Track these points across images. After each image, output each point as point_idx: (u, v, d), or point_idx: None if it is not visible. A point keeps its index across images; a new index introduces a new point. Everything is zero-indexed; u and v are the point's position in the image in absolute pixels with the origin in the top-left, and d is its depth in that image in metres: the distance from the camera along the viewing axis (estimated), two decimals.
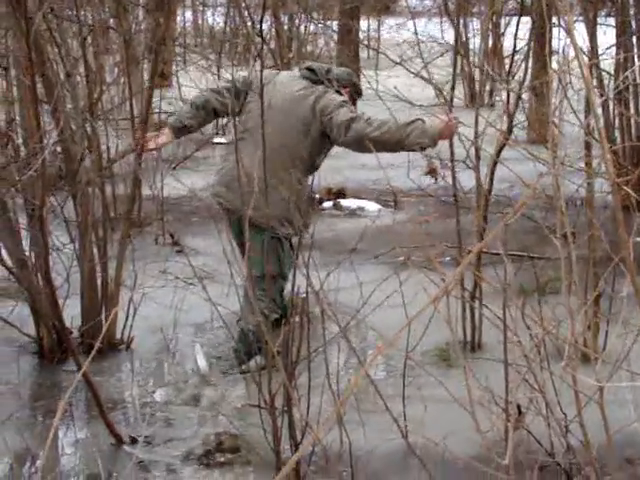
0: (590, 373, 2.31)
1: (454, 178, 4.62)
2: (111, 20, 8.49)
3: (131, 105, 5.39)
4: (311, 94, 4.59)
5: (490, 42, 12.15)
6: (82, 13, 6.28)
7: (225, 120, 9.73)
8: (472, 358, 4.32)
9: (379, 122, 4.44)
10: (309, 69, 4.71)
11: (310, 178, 4.67)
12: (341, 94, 4.66)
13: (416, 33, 11.45)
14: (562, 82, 2.42)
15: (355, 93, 4.82)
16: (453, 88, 4.66)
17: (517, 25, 5.31)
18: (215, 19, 13.68)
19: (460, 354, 2.48)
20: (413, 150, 4.46)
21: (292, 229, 4.51)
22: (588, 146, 3.73)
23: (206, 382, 4.43)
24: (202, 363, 4.62)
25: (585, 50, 5.05)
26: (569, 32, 1.63)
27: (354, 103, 4.81)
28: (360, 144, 4.45)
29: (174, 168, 8.03)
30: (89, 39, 6.40)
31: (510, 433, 1.67)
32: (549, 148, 1.79)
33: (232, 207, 4.47)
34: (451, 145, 4.59)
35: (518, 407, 2.64)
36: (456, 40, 5.04)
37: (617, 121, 6.84)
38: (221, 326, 4.65)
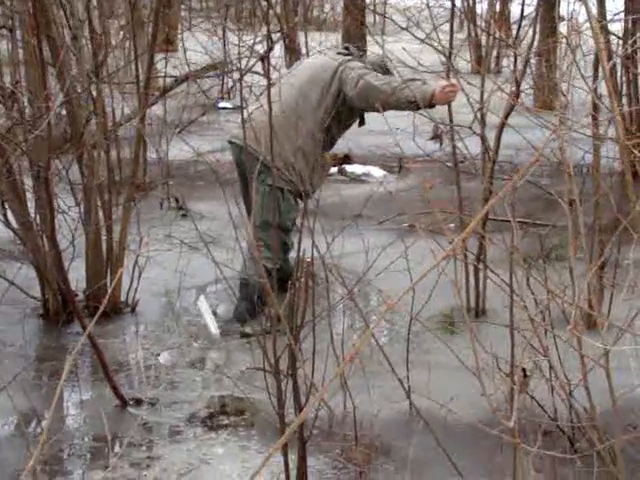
0: (595, 339, 2.31)
1: (454, 144, 4.62)
2: None
3: (137, 68, 5.35)
4: (337, 60, 4.79)
5: (497, 7, 12.05)
6: None
7: (230, 84, 9.69)
8: (478, 322, 4.32)
9: (386, 78, 4.62)
10: (346, 47, 4.99)
11: (326, 147, 4.79)
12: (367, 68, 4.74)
13: None
14: (570, 46, 2.40)
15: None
16: (449, 56, 4.63)
17: None
18: None
19: (465, 318, 2.48)
20: (405, 108, 4.55)
21: (298, 181, 4.58)
22: (596, 109, 3.70)
23: (211, 344, 4.45)
24: (208, 319, 4.64)
25: (595, 14, 5.00)
26: None
27: None
28: (367, 97, 4.59)
29: (179, 132, 8.00)
30: (94, 1, 6.36)
31: (516, 396, 1.68)
32: (556, 114, 1.78)
33: (244, 144, 4.38)
34: (450, 110, 4.59)
35: (523, 370, 2.64)
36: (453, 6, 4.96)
37: (624, 87, 6.79)
38: (225, 289, 4.66)
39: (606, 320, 1.77)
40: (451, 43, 4.88)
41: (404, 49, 5.07)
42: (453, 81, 4.50)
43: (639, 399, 3.30)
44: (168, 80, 8.58)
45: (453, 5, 4.82)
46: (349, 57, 4.83)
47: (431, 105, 4.52)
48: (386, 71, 4.88)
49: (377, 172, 7.70)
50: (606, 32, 5.83)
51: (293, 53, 9.40)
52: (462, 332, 4.38)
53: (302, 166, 4.63)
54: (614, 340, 2.01)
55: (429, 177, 7.37)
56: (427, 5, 4.81)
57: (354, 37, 12.82)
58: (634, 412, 3.50)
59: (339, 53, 4.95)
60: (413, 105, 4.54)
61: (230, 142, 4.96)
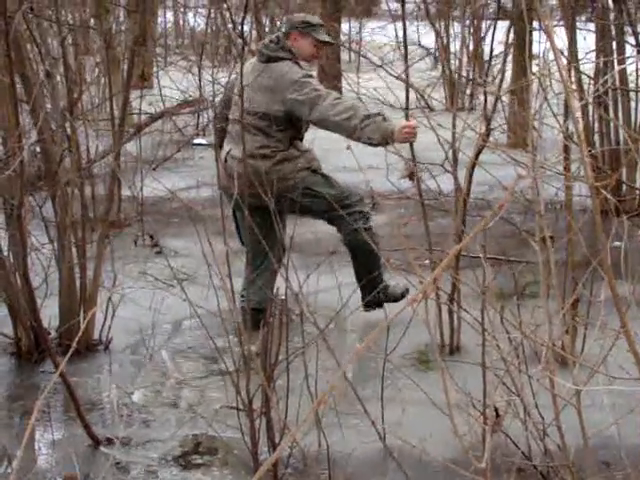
0: (568, 377, 2.31)
1: (419, 182, 4.66)
2: (92, 20, 8.46)
3: (111, 106, 5.37)
4: (267, 80, 4.69)
5: (471, 46, 12.18)
6: (62, 13, 6.25)
7: (206, 121, 9.72)
8: (451, 361, 4.32)
9: (343, 107, 4.56)
10: (259, 51, 4.83)
11: (300, 144, 4.88)
12: (299, 65, 4.74)
13: (402, 35, 11.46)
14: (542, 85, 2.43)
15: (304, 28, 4.79)
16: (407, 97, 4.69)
17: (494, 29, 5.34)
18: (196, 20, 13.65)
19: (438, 357, 2.48)
20: (365, 144, 4.59)
21: (301, 172, 4.79)
22: (567, 150, 3.75)
23: (184, 384, 4.42)
24: (172, 368, 4.62)
25: (565, 54, 5.08)
26: (548, 36, 1.63)
27: (314, 38, 4.81)
28: (326, 128, 4.66)
29: (154, 169, 8.00)
30: (69, 39, 6.37)
31: (488, 436, 1.68)
32: (528, 152, 1.80)
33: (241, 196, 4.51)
34: (412, 149, 4.64)
35: (496, 410, 2.64)
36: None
37: (596, 125, 6.87)
38: (200, 327, 4.64)
39: (577, 360, 1.78)
40: (404, 83, 4.92)
41: (375, 90, 5.12)
42: (412, 122, 4.53)
43: (612, 437, 3.30)
44: (143, 117, 8.59)
45: (420, 45, 4.84)
46: (279, 65, 4.69)
47: (391, 143, 4.54)
48: (307, 25, 4.80)
49: None
50: (577, 71, 5.91)
51: None
52: (437, 369, 4.38)
53: (290, 177, 4.79)
54: (588, 378, 2.01)
55: (403, 214, 7.41)
56: (405, 45, 4.83)
57: (329, 74, 12.93)
58: (608, 449, 3.50)
59: (261, 62, 4.77)
60: (374, 144, 4.57)
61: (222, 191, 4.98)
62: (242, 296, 4.80)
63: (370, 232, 4.89)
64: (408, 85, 4.90)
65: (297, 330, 4.23)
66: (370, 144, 4.57)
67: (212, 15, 11.86)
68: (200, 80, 9.51)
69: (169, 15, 14.99)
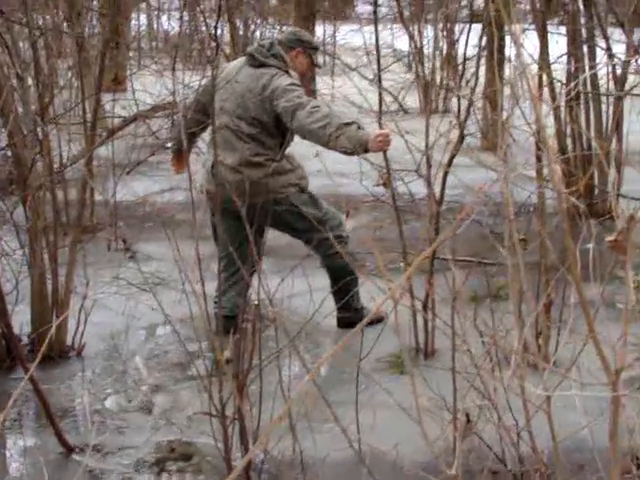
0: (540, 380, 2.32)
1: (392, 190, 4.68)
2: (64, 24, 8.41)
3: (84, 109, 5.33)
4: (255, 85, 4.72)
5: (444, 49, 12.22)
6: (34, 16, 6.21)
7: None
8: (425, 365, 4.32)
9: (321, 115, 4.56)
10: (250, 54, 4.83)
11: (286, 149, 4.90)
12: (289, 74, 4.76)
13: (375, 39, 11.48)
14: (513, 90, 2.44)
15: (309, 49, 4.92)
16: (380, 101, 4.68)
17: (468, 33, 5.36)
18: (170, 23, 13.61)
19: (408, 362, 2.48)
20: (341, 153, 4.62)
21: (290, 188, 4.83)
22: (539, 150, 3.76)
23: (158, 389, 4.39)
24: (145, 374, 4.60)
25: (535, 59, 5.11)
26: (515, 42, 1.64)
27: (312, 60, 4.94)
28: (304, 136, 4.67)
29: (128, 173, 7.96)
30: (41, 42, 6.33)
31: (458, 442, 1.67)
32: (498, 155, 1.81)
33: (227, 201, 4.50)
34: (385, 157, 4.65)
35: (467, 415, 2.65)
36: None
37: (569, 129, 6.91)
38: (174, 333, 4.62)
39: (546, 365, 1.78)
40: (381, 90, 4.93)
41: (345, 97, 5.15)
42: (386, 130, 4.54)
43: (586, 439, 3.31)
44: (116, 121, 8.55)
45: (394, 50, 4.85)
46: (266, 71, 4.72)
47: (365, 151, 4.55)
48: (302, 42, 4.88)
49: None
50: (549, 76, 5.95)
51: None
52: (411, 372, 4.38)
53: (281, 181, 4.81)
54: (560, 380, 2.01)
55: (378, 217, 7.42)
56: (378, 48, 4.85)
57: (304, 77, 12.94)
58: (581, 452, 3.51)
59: (249, 65, 4.79)
60: (348, 152, 4.59)
61: (203, 192, 4.98)
62: (215, 302, 4.79)
63: (348, 256, 4.89)
64: (381, 90, 4.92)
65: (272, 335, 4.23)
66: (345, 152, 4.58)
67: (186, 18, 11.83)
68: (174, 83, 9.46)
69: (143, 18, 14.93)
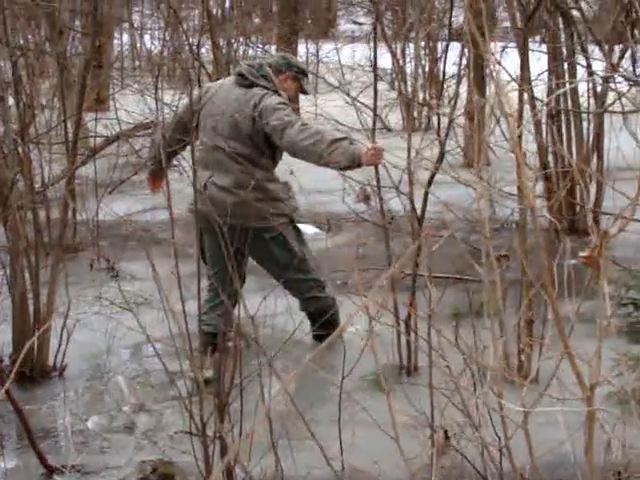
0: (521, 396, 2.32)
1: (382, 206, 4.68)
2: (46, 43, 8.41)
3: (65, 129, 5.32)
4: (246, 105, 4.72)
5: (427, 67, 12.27)
6: (15, 36, 6.21)
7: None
8: (407, 382, 4.32)
9: (311, 132, 4.57)
10: (240, 74, 4.83)
11: (289, 186, 4.96)
12: (279, 94, 4.78)
13: (373, 58, 11.50)
14: (492, 108, 2.45)
15: (298, 74, 4.94)
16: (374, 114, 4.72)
17: (446, 51, 5.40)
18: (153, 43, 13.62)
19: (383, 380, 2.48)
20: (334, 169, 4.62)
21: (281, 218, 4.82)
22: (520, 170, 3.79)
23: (140, 409, 4.37)
24: (127, 393, 4.58)
25: (516, 76, 5.14)
26: (487, 60, 1.65)
27: (301, 85, 4.95)
28: (295, 154, 4.66)
29: (110, 192, 7.95)
30: (22, 62, 6.33)
31: (435, 459, 1.67)
32: (474, 173, 1.82)
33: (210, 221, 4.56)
34: (377, 171, 4.66)
35: (445, 432, 2.64)
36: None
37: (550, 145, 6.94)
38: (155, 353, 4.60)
39: (523, 381, 1.78)
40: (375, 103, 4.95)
41: (325, 114, 5.16)
42: (378, 144, 4.55)
43: (568, 454, 3.31)
44: (98, 140, 8.54)
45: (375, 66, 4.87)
46: (257, 90, 4.73)
47: (358, 166, 4.56)
48: (291, 66, 4.89)
49: (309, 229, 7.72)
50: (531, 93, 5.98)
51: None
52: (395, 390, 4.38)
53: (273, 205, 4.80)
54: (538, 398, 2.01)
55: (361, 235, 7.43)
56: (376, 66, 4.87)
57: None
58: (564, 466, 3.52)
59: (238, 85, 4.79)
60: (342, 168, 4.59)
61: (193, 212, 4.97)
62: (201, 320, 4.78)
63: (327, 300, 4.90)
64: (375, 107, 4.95)
65: (254, 353, 4.22)
66: (338, 168, 4.59)
67: (168, 37, 11.85)
68: (157, 102, 9.48)
69: (126, 37, 14.94)
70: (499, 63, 5.42)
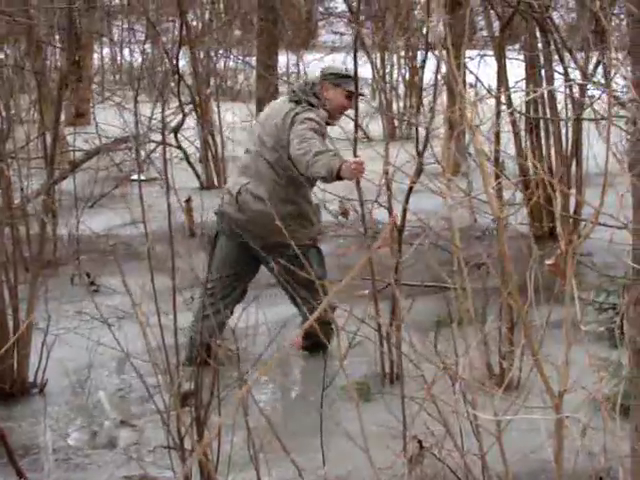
0: (505, 399, 2.31)
1: (363, 217, 4.69)
2: (25, 58, 8.39)
3: (44, 144, 5.30)
4: (287, 117, 4.81)
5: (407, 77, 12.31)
6: None
7: (143, 156, 9.66)
8: (388, 392, 4.32)
9: (305, 143, 4.64)
10: (293, 91, 4.95)
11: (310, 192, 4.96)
12: (315, 110, 4.81)
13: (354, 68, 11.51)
14: (465, 117, 2.45)
15: (335, 80, 4.93)
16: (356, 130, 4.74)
17: (424, 61, 5.42)
18: (133, 55, 13.61)
19: (354, 394, 2.47)
20: (316, 179, 4.65)
21: (306, 237, 4.84)
22: (497, 178, 3.80)
23: (122, 424, 4.35)
24: (108, 408, 4.55)
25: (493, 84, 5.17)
26: (449, 68, 1.65)
27: (346, 90, 4.92)
28: (292, 161, 4.71)
29: (91, 206, 7.92)
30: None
31: (407, 468, 1.67)
32: (446, 182, 1.82)
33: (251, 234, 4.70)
34: (358, 185, 4.68)
35: (419, 442, 2.64)
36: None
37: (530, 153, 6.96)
38: (138, 366, 4.58)
39: (494, 390, 1.78)
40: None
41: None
42: (360, 158, 4.56)
43: (549, 460, 3.31)
44: (78, 154, 8.52)
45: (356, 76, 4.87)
46: (299, 107, 4.81)
47: (339, 179, 4.56)
48: (341, 77, 4.89)
49: None
50: (509, 101, 6.00)
51: (206, 124, 9.43)
52: (377, 400, 4.37)
53: (300, 224, 4.82)
54: (510, 404, 2.01)
55: (343, 245, 7.43)
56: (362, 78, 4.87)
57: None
58: (546, 473, 3.52)
59: (290, 100, 4.89)
60: (323, 180, 4.61)
61: (219, 214, 5.00)
62: (193, 326, 4.80)
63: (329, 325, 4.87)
64: (357, 117, 4.96)
65: (242, 365, 4.21)
66: (320, 179, 4.65)
67: (147, 50, 11.84)
68: (137, 116, 9.46)
69: (106, 51, 14.92)
70: (472, 72, 5.44)
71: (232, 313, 4.91)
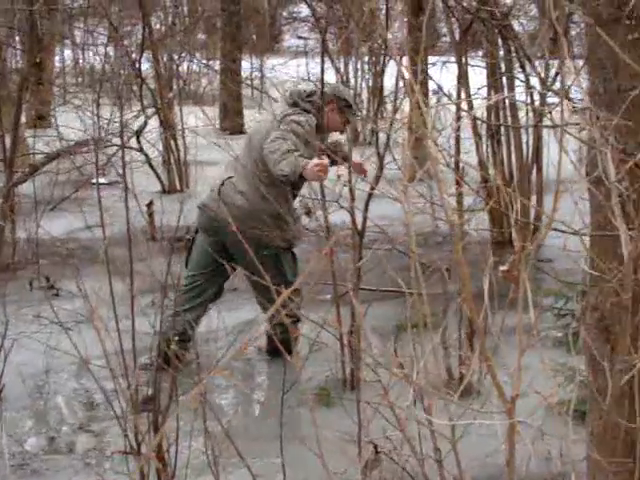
0: (465, 404, 2.32)
1: (326, 219, 4.71)
2: None
3: (3, 147, 5.25)
4: (277, 117, 4.85)
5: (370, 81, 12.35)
6: None
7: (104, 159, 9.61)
8: (347, 398, 4.32)
9: (276, 143, 4.68)
10: (291, 94, 4.99)
11: (291, 195, 4.95)
12: (305, 115, 4.84)
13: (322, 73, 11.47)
14: (423, 123, 2.45)
15: (344, 106, 4.97)
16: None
17: (383, 66, 5.44)
18: (95, 58, 13.51)
19: (307, 401, 2.47)
20: (281, 179, 4.68)
21: (283, 240, 4.85)
22: (458, 183, 3.82)
23: (80, 430, 4.31)
24: (67, 413, 4.52)
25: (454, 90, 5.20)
26: (399, 73, 1.66)
27: (346, 118, 4.99)
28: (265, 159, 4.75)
29: (51, 210, 7.86)
30: None
31: (361, 474, 1.67)
32: (403, 188, 1.83)
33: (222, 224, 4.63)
34: (321, 186, 4.69)
35: (375, 447, 2.65)
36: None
37: (491, 159, 7.01)
38: (98, 370, 4.54)
39: (453, 395, 1.79)
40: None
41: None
42: (324, 160, 4.58)
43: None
44: (39, 157, 8.44)
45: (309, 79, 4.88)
46: (291, 110, 4.85)
47: (301, 178, 4.60)
48: (337, 98, 4.91)
49: None
50: (470, 107, 6.04)
51: (169, 128, 9.39)
52: (337, 405, 4.38)
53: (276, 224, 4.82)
54: (465, 409, 2.02)
55: (305, 249, 7.42)
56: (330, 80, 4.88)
57: (231, 111, 12.95)
58: (503, 477, 3.53)
59: (287, 104, 4.95)
60: (286, 178, 4.62)
61: (200, 208, 4.97)
62: (164, 322, 4.75)
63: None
64: (307, 119, 4.95)
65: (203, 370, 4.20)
66: (283, 177, 4.65)
67: (110, 53, 11.77)
68: (98, 119, 9.41)
69: (68, 53, 14.81)
70: (431, 78, 5.47)
71: (205, 312, 4.92)
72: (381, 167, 4.49)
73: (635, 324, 1.84)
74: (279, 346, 3.22)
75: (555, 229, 1.86)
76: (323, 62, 4.88)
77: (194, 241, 5.03)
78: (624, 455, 2.11)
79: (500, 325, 1.91)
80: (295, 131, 4.74)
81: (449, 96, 4.87)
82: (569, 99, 2.43)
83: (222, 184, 4.89)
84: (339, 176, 4.54)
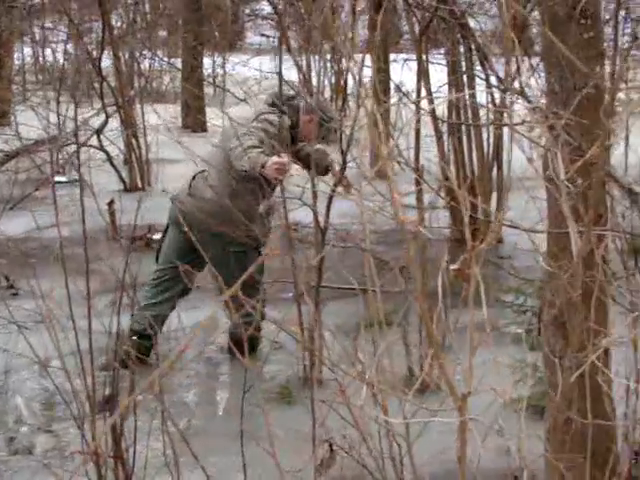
0: (430, 402, 2.33)
1: (286, 216, 4.70)
2: None
3: None
4: (253, 115, 4.88)
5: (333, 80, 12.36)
6: None
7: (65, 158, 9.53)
8: (307, 396, 4.32)
9: (242, 139, 4.66)
10: (270, 95, 5.03)
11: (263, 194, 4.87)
12: (280, 115, 4.87)
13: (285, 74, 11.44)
14: (384, 120, 2.47)
15: (322, 119, 4.90)
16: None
17: (347, 62, 5.44)
18: (56, 56, 13.39)
19: (260, 401, 2.47)
20: (242, 174, 4.68)
21: (250, 238, 4.81)
22: (418, 182, 3.84)
23: (39, 430, 4.28)
24: (26, 414, 4.48)
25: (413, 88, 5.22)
26: (350, 71, 1.65)
27: (321, 131, 4.92)
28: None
29: (11, 208, 7.78)
30: None
31: (316, 473, 1.67)
32: (363, 186, 1.83)
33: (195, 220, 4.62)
34: (281, 184, 4.69)
35: (330, 446, 2.65)
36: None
37: (452, 156, 7.05)
38: (58, 370, 4.51)
39: (404, 397, 1.79)
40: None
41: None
42: (284, 159, 4.56)
43: (472, 461, 3.35)
44: None
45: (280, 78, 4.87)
46: (267, 109, 4.86)
47: (261, 175, 4.58)
48: (320, 109, 4.87)
49: None
50: (431, 104, 6.07)
51: (130, 126, 9.33)
52: (299, 403, 4.38)
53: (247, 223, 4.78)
54: (418, 407, 2.02)
55: (270, 247, 7.41)
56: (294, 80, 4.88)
57: (193, 109, 12.89)
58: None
59: (267, 103, 4.97)
60: (245, 173, 4.62)
61: (172, 201, 4.99)
62: (132, 315, 4.70)
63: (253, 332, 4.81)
64: (280, 120, 4.96)
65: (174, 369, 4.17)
66: (242, 172, 4.65)
67: (70, 51, 11.68)
68: (59, 117, 9.33)
69: (27, 50, 14.65)
70: (390, 78, 5.47)
71: (174, 307, 4.88)
72: (344, 165, 4.50)
73: (586, 320, 1.86)
74: (234, 346, 3.20)
75: (510, 226, 1.87)
76: (281, 58, 4.88)
77: (165, 235, 5.02)
78: (577, 450, 2.13)
79: (454, 323, 1.92)
80: (266, 129, 4.75)
81: (407, 94, 4.88)
82: (526, 98, 2.45)
83: (194, 177, 4.88)
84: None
